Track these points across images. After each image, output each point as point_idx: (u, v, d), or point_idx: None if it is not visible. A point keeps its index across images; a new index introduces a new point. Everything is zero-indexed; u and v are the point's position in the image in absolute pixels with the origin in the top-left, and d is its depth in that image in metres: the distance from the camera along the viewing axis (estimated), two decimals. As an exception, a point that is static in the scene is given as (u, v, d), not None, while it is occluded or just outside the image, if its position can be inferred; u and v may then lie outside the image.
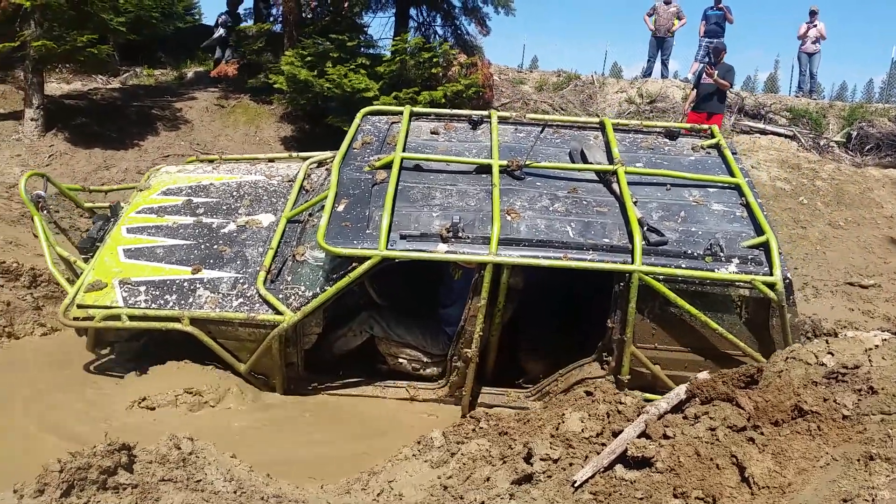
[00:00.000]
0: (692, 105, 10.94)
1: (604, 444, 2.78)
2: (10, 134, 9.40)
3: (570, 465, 2.70)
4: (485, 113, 5.22)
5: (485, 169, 4.48)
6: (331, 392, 4.51)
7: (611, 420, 2.96)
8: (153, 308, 4.23)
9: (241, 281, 4.40)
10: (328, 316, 4.53)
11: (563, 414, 3.04)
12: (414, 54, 10.91)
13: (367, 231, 4.09)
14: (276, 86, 10.82)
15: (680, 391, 2.92)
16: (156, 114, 11.01)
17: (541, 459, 2.74)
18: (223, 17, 12.94)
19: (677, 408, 2.87)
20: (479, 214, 4.20)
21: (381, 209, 4.17)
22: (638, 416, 2.88)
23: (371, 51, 11.85)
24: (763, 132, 12.61)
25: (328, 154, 5.49)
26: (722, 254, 4.04)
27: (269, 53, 12.11)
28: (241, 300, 4.28)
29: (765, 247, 4.09)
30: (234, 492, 2.40)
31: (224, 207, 5.05)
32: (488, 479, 2.72)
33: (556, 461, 2.76)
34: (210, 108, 11.71)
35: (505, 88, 14.70)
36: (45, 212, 4.80)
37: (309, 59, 10.78)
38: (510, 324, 4.60)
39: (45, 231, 4.46)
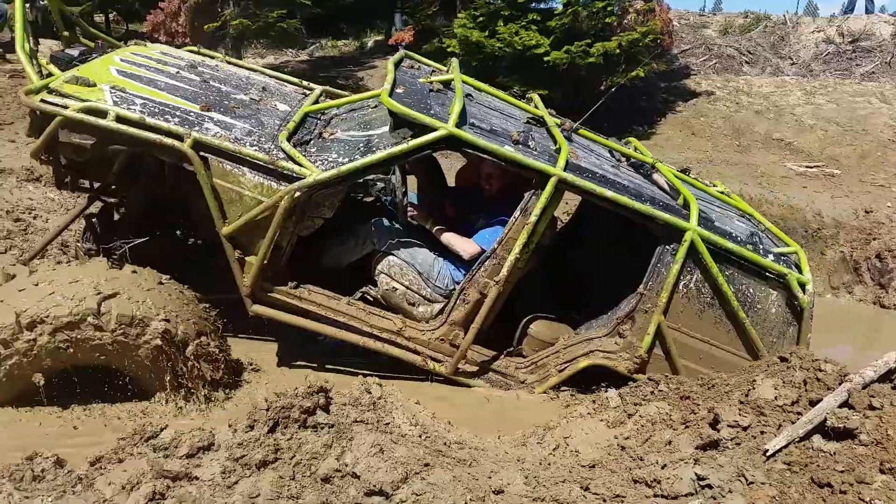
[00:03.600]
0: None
1: (799, 414, 2.58)
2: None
3: (762, 433, 2.54)
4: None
5: (536, 120, 4.16)
6: (295, 304, 3.65)
7: (808, 388, 2.74)
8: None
9: (256, 133, 3.68)
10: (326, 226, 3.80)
11: (755, 380, 2.85)
12: (587, 4, 10.54)
13: (430, 113, 3.56)
14: (448, 49, 10.99)
15: (889, 359, 2.63)
16: (340, 83, 11.65)
17: (728, 426, 2.61)
18: None
19: (885, 377, 2.59)
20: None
21: (441, 104, 3.69)
22: (839, 384, 2.64)
23: (542, 5, 11.63)
24: None
25: (346, 94, 4.85)
26: (761, 245, 3.95)
27: (442, 17, 12.32)
28: (255, 149, 3.54)
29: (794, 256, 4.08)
30: (420, 436, 2.54)
31: (233, 81, 4.37)
32: (669, 442, 2.64)
33: (745, 429, 2.61)
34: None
35: (685, 34, 13.82)
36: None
37: (480, 19, 10.81)
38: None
39: (23, 17, 3.65)
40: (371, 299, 3.91)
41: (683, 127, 11.91)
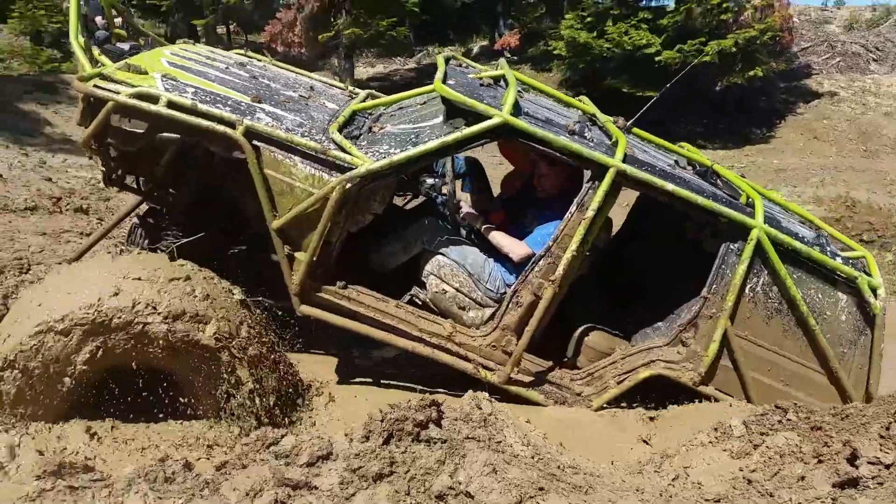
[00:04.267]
0: None
1: (953, 453, 2.34)
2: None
3: (907, 472, 2.33)
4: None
5: (587, 117, 3.89)
6: (344, 305, 3.54)
7: (964, 424, 2.48)
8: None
9: (307, 125, 3.61)
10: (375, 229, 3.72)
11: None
12: (701, 1, 10.14)
13: (484, 102, 3.44)
14: (555, 52, 10.88)
15: None
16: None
17: (868, 463, 2.40)
18: None
19: None
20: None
21: (493, 97, 3.54)
22: None
23: (653, 3, 11.31)
24: None
25: (384, 96, 4.68)
26: (829, 248, 3.64)
27: (548, 20, 12.20)
28: (307, 139, 3.46)
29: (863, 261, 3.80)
30: (532, 457, 2.49)
31: (281, 79, 4.37)
32: (802, 478, 2.46)
33: (888, 467, 2.39)
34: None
35: (806, 31, 13.03)
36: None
37: (588, 19, 10.64)
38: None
39: (77, 10, 3.70)
40: (420, 303, 3.76)
41: (805, 130, 11.24)
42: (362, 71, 12.58)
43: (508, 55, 12.78)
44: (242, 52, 4.96)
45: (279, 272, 3.51)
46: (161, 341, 2.87)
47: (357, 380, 3.79)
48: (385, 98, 4.26)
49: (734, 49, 9.61)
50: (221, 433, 3.10)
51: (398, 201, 4.42)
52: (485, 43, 14.18)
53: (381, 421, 2.61)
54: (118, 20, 5.36)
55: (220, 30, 14.90)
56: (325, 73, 12.28)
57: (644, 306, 4.07)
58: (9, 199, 6.20)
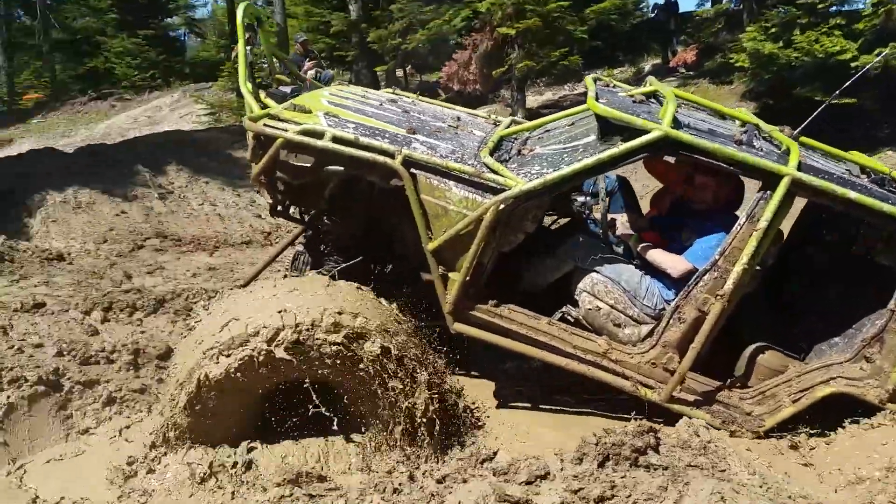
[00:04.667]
0: None
1: None
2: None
3: None
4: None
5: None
6: (497, 323, 3.58)
7: None
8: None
9: (459, 153, 3.70)
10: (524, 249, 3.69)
11: None
12: (901, 0, 9.26)
13: (643, 115, 3.37)
14: (737, 64, 10.41)
15: None
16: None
17: None
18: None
19: None
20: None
21: (648, 113, 3.46)
22: None
23: (845, 7, 10.47)
24: None
25: (528, 122, 4.67)
26: None
27: (725, 33, 11.72)
28: (461, 164, 3.56)
29: None
30: (760, 486, 2.42)
31: (430, 112, 4.57)
32: None
33: None
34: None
35: None
36: (251, 45, 4.44)
37: (773, 30, 10.08)
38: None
39: (245, 57, 4.03)
40: (571, 320, 3.73)
41: None
42: (532, 100, 12.79)
43: (684, 71, 12.42)
44: (391, 90, 5.28)
45: (432, 293, 3.64)
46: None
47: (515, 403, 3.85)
48: (531, 122, 4.33)
49: (940, 48, 8.63)
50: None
51: (546, 222, 4.41)
52: (657, 62, 13.88)
53: (596, 444, 2.67)
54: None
55: (398, 72, 15.86)
56: (499, 104, 12.65)
57: (814, 320, 3.85)
58: (227, 234, 7.05)
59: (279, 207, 4.10)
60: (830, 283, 3.99)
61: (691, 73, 12.26)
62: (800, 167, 3.23)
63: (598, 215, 3.90)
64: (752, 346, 3.58)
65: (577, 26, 11.21)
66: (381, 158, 3.51)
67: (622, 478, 2.47)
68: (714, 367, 3.53)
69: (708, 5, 12.77)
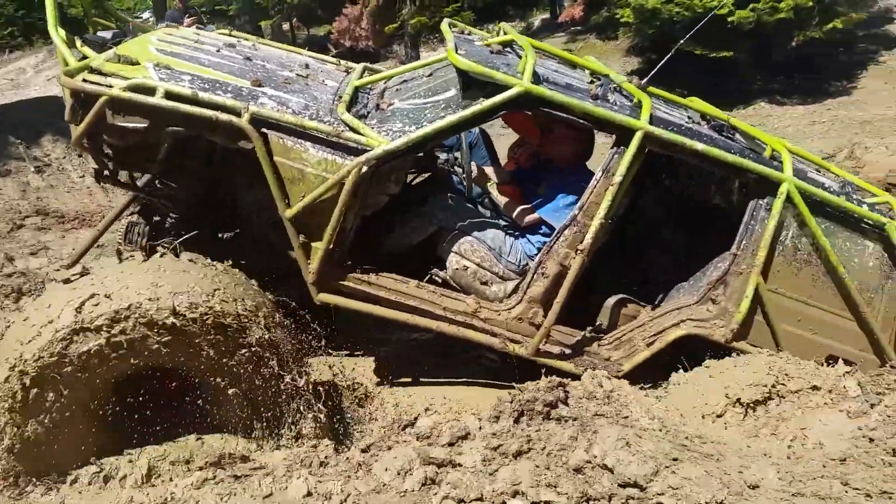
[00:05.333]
0: None
1: None
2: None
3: None
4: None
5: (600, 78, 3.77)
6: (364, 290, 3.43)
7: None
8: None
9: (313, 108, 3.39)
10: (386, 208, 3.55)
11: None
12: (773, -43, 9.83)
13: (500, 70, 3.27)
14: (622, 20, 10.75)
15: None
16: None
17: None
18: None
19: None
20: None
21: (506, 65, 3.38)
22: None
23: (721, -38, 10.97)
24: None
25: (383, 69, 4.45)
26: (854, 196, 3.66)
27: (611, -13, 12.03)
28: (317, 122, 3.27)
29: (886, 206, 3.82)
30: (660, 429, 2.64)
31: (275, 59, 4.12)
32: (927, 435, 2.53)
33: None
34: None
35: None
36: None
37: (655, -16, 10.44)
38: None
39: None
40: (439, 281, 3.69)
41: (889, 79, 10.77)
42: (426, 56, 12.69)
43: (572, 27, 12.70)
44: (227, 31, 4.73)
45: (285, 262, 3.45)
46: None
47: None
48: (387, 72, 4.13)
49: (810, 3, 9.27)
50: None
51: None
52: (545, 16, 14.10)
53: (511, 402, 2.81)
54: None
55: (285, 26, 15.29)
56: (392, 60, 12.48)
57: (659, 266, 4.11)
58: (113, 207, 6.64)
59: (106, 173, 3.54)
60: (672, 228, 4.25)
61: (579, 27, 12.56)
62: (651, 120, 3.30)
63: (460, 170, 3.87)
64: (613, 298, 3.71)
65: (468, -19, 11.23)
66: (224, 117, 3.14)
67: (536, 431, 2.62)
68: (570, 316, 3.60)
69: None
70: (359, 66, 4.41)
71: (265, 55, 4.17)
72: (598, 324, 3.65)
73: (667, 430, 2.60)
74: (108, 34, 3.92)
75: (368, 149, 3.21)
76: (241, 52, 4.01)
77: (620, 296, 3.72)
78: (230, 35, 4.57)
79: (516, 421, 2.75)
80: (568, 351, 3.54)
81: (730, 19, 9.73)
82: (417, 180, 4.41)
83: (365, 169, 3.20)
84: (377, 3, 10.32)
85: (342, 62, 4.68)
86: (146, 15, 14.76)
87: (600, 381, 2.94)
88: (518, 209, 3.74)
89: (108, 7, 4.67)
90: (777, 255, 3.47)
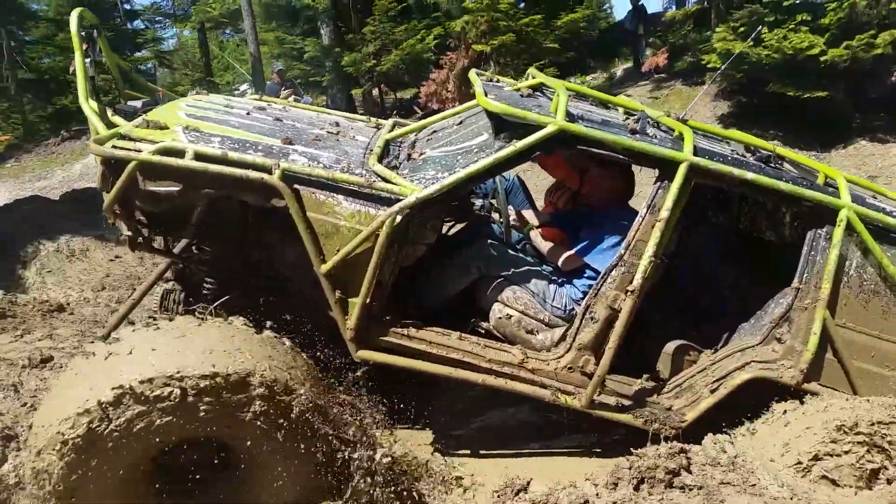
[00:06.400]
0: None
1: None
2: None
3: None
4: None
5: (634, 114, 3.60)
6: (408, 347, 3.28)
7: None
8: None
9: (344, 161, 3.37)
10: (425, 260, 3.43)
11: None
12: (864, -7, 9.56)
13: (534, 110, 3.22)
14: (708, 65, 10.63)
15: None
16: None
17: None
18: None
19: None
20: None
21: (538, 106, 3.29)
22: None
23: (810, 1, 10.75)
24: None
25: (411, 122, 4.42)
26: None
27: (695, 34, 11.97)
28: (348, 174, 3.24)
29: None
30: (791, 498, 2.50)
31: (305, 119, 4.10)
32: None
33: None
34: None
35: None
36: (90, 57, 3.62)
37: (742, 29, 10.32)
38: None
39: (84, 71, 3.44)
40: (482, 332, 3.55)
41: None
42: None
43: (656, 74, 12.65)
44: (257, 97, 4.78)
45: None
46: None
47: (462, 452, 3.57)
48: (416, 124, 4.12)
49: (909, 36, 8.93)
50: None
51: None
52: (628, 65, 14.10)
53: (630, 468, 2.73)
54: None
55: (374, 92, 15.93)
56: (477, 120, 12.71)
57: (712, 306, 3.92)
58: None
59: (140, 240, 3.48)
60: (722, 265, 4.07)
61: (663, 75, 12.49)
62: (695, 152, 3.19)
63: (498, 216, 3.77)
64: (673, 344, 3.55)
65: (548, 38, 11.40)
66: (255, 174, 3.11)
67: (660, 500, 2.54)
68: (622, 363, 3.41)
69: (674, 8, 12.97)
70: (389, 121, 4.39)
71: (295, 116, 4.21)
72: (656, 371, 3.49)
73: (797, 499, 2.46)
74: (138, 103, 3.99)
75: (401, 198, 3.15)
76: (270, 114, 4.04)
77: (680, 342, 3.58)
78: (260, 100, 4.52)
79: (636, 489, 2.67)
80: (625, 401, 3.34)
81: (822, 59, 9.46)
82: (455, 230, 4.32)
83: (399, 219, 3.13)
84: (462, 66, 10.64)
85: (372, 119, 4.68)
86: (244, 87, 15.61)
87: (723, 447, 2.82)
88: (560, 252, 3.62)
89: (135, 78, 4.78)
90: (843, 286, 3.26)
